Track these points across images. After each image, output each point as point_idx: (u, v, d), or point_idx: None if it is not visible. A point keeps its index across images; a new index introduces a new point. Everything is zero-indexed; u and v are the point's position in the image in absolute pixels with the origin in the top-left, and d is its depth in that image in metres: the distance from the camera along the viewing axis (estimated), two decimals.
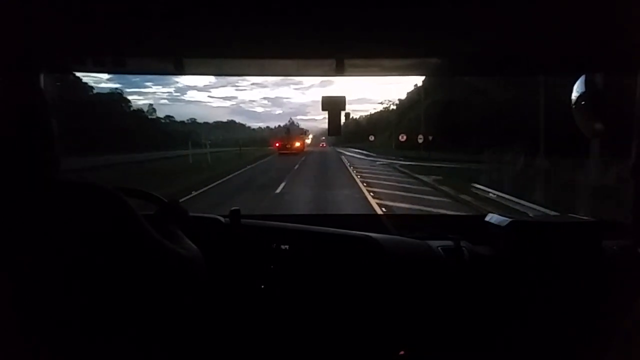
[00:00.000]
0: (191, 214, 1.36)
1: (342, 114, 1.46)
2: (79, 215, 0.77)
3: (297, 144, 29.37)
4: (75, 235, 0.76)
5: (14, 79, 0.86)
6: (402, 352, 1.52)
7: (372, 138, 32.82)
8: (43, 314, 0.74)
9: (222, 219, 1.59)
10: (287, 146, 28.50)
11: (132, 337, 0.84)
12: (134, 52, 1.41)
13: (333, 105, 1.44)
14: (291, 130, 36.12)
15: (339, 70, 1.45)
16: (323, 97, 1.44)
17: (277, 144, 29.98)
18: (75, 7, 1.01)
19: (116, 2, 1.00)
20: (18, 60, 1.23)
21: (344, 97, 1.45)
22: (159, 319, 0.92)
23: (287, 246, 1.57)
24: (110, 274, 0.79)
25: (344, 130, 1.55)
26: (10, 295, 0.73)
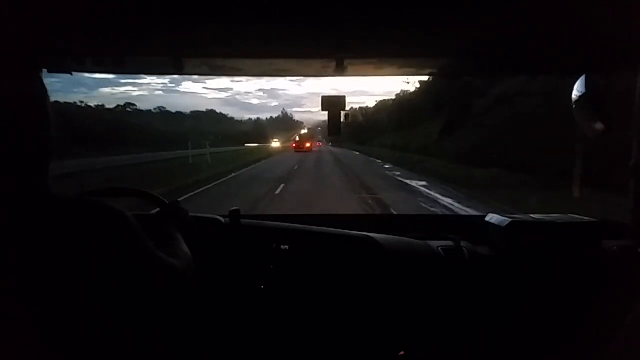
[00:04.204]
0: (191, 214, 1.36)
1: (342, 114, 1.46)
2: (75, 233, 0.75)
3: (308, 145, 44.01)
4: (70, 251, 0.73)
5: (14, 79, 0.85)
6: (402, 352, 1.52)
7: None
8: (30, 328, 0.71)
9: (221, 219, 1.59)
10: (300, 146, 43.12)
11: (127, 345, 0.82)
12: (134, 51, 1.41)
13: (333, 105, 1.44)
14: (303, 135, 52.75)
15: (339, 70, 1.45)
16: (323, 97, 1.43)
17: (294, 145, 45.78)
18: (75, 7, 1.01)
19: (116, 2, 1.00)
20: (18, 60, 1.22)
21: (344, 97, 1.44)
22: (153, 328, 0.90)
23: (286, 246, 1.56)
24: (103, 289, 0.76)
25: (344, 129, 1.55)
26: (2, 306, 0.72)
